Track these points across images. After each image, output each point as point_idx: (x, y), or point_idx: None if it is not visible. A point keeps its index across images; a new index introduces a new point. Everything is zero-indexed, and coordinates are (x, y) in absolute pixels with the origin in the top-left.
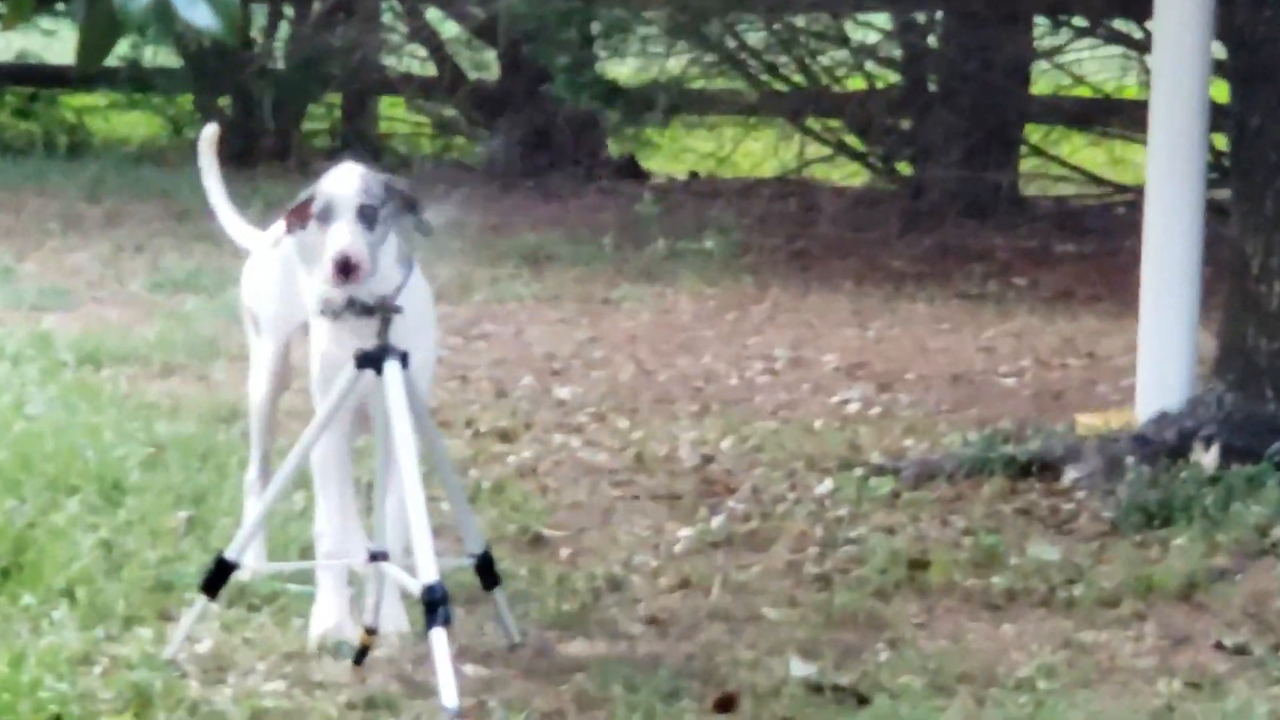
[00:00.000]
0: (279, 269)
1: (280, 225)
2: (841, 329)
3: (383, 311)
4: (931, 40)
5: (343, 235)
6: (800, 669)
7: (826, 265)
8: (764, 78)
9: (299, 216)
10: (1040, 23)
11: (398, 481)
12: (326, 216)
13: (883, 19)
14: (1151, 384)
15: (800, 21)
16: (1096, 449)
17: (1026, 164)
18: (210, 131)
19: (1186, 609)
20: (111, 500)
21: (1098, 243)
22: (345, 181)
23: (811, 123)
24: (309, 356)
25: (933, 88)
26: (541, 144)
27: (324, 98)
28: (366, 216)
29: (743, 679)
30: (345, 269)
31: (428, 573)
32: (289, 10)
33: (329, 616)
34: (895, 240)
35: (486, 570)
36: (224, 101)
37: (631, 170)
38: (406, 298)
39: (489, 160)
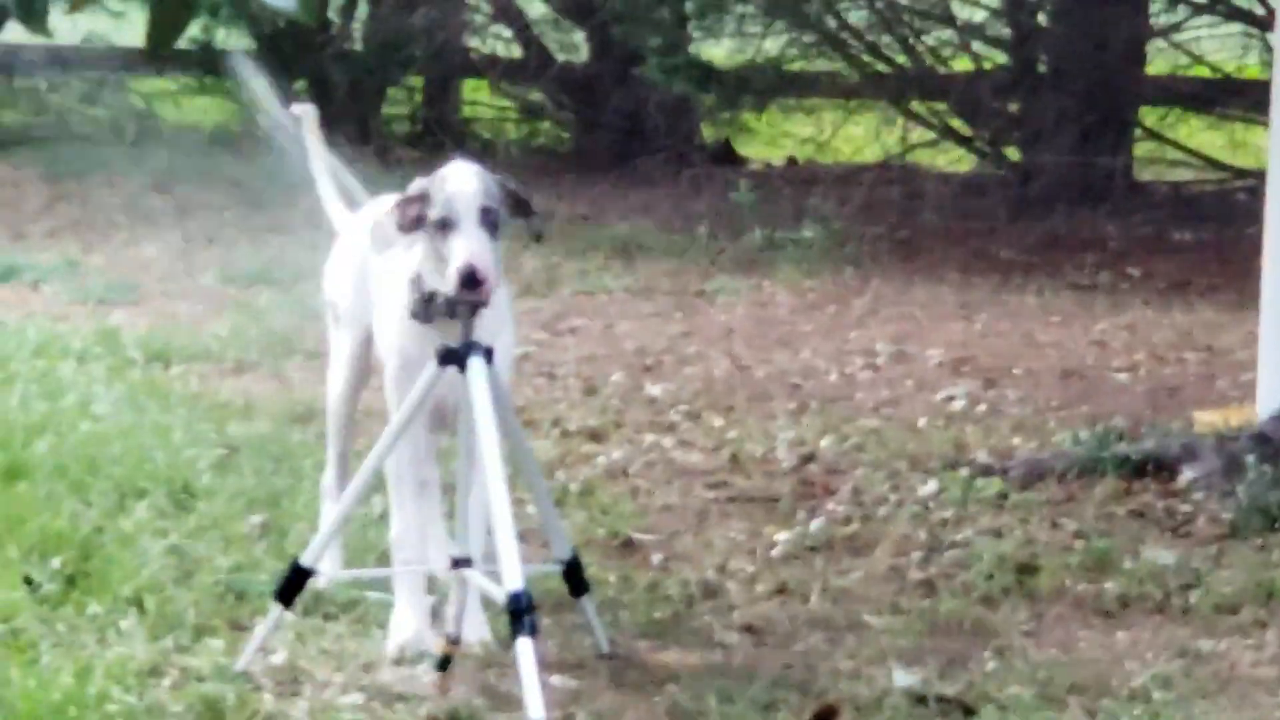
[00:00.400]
0: (357, 257)
1: (380, 214)
2: (946, 322)
3: (468, 307)
4: (1041, 18)
5: (469, 244)
6: (903, 679)
7: (931, 255)
8: (866, 59)
9: (409, 215)
10: None
11: (481, 484)
12: (447, 220)
13: None
14: (1273, 379)
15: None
16: (1214, 448)
17: (1141, 148)
18: (305, 110)
19: None
20: (181, 504)
21: (1216, 230)
22: (466, 182)
23: (915, 106)
24: (383, 353)
25: (1042, 68)
26: (632, 129)
27: (404, 81)
28: (489, 222)
29: (843, 689)
30: (473, 281)
31: (513, 580)
32: None
33: (407, 627)
34: (1003, 228)
35: (574, 576)
36: (299, 85)
37: (727, 156)
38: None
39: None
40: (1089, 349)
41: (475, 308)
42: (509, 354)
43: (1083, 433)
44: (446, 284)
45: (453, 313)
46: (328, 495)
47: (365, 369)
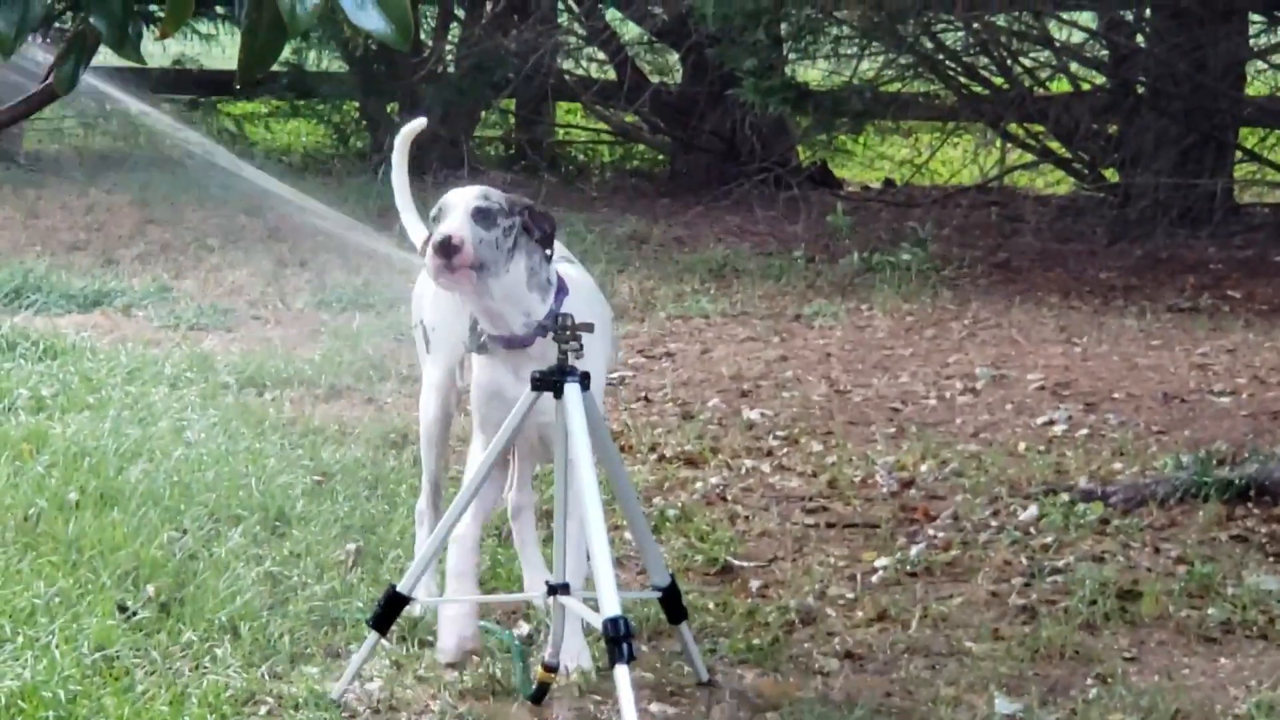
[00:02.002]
0: None
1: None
2: (1046, 345)
3: (560, 334)
4: (1139, 39)
5: (451, 223)
6: (1005, 706)
7: (1030, 278)
8: (963, 80)
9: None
10: (1255, 20)
11: (577, 510)
12: (438, 215)
13: (1088, 17)
14: None
15: (1001, 21)
16: None
17: (1241, 170)
18: (414, 125)
19: None
20: (276, 531)
21: None
22: (464, 190)
23: (1013, 128)
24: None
25: (1141, 90)
26: (728, 152)
27: (497, 104)
28: (482, 215)
29: (944, 717)
30: (446, 248)
31: (610, 606)
32: (460, 11)
33: (453, 632)
34: (1103, 251)
35: (672, 603)
36: (391, 108)
37: (823, 179)
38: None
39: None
40: (1190, 372)
41: (575, 336)
42: (600, 381)
43: (1184, 457)
44: (426, 262)
45: (514, 345)
46: (422, 521)
47: (456, 395)
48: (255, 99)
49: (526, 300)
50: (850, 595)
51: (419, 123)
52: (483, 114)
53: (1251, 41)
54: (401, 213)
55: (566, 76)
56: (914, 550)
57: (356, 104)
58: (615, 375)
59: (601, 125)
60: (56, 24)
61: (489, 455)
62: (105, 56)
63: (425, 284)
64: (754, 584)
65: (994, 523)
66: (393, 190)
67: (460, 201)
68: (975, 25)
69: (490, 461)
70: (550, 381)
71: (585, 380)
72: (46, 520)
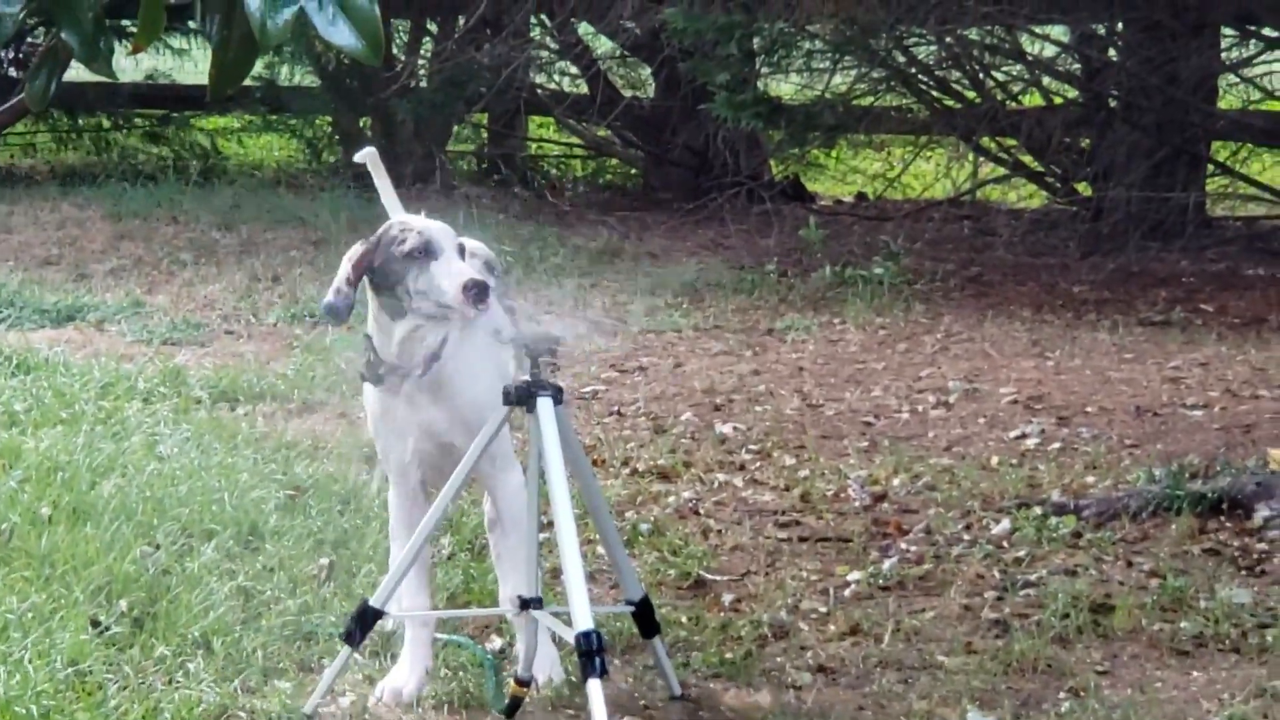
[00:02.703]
0: None
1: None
2: (1019, 359)
3: (532, 352)
4: (1111, 53)
5: (458, 265)
6: (978, 719)
7: (1002, 292)
8: (935, 94)
9: (359, 267)
10: (1228, 34)
11: (527, 524)
12: (428, 247)
13: (1060, 31)
14: None
15: (973, 35)
16: None
17: (1213, 183)
18: (369, 154)
19: None
20: (249, 546)
21: None
22: (438, 223)
23: (985, 141)
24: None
25: (1113, 103)
26: (700, 166)
27: (470, 118)
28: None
29: None
30: (483, 291)
31: (583, 620)
32: (432, 26)
33: (405, 679)
34: (1075, 265)
35: (645, 617)
36: (364, 122)
37: (796, 193)
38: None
39: None
40: (1163, 386)
41: (551, 350)
42: (485, 398)
43: (1157, 470)
44: (448, 298)
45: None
46: (395, 537)
47: None
48: (228, 114)
49: (433, 333)
50: (823, 609)
51: (370, 153)
52: (455, 128)
53: (1223, 55)
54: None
55: (539, 90)
56: (886, 564)
57: (329, 119)
58: (588, 389)
59: (574, 139)
60: (29, 39)
61: (459, 473)
62: (77, 72)
63: None
64: (727, 598)
65: (966, 536)
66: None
67: (447, 237)
68: (947, 39)
69: (461, 476)
70: (522, 396)
71: (558, 395)
72: (19, 535)
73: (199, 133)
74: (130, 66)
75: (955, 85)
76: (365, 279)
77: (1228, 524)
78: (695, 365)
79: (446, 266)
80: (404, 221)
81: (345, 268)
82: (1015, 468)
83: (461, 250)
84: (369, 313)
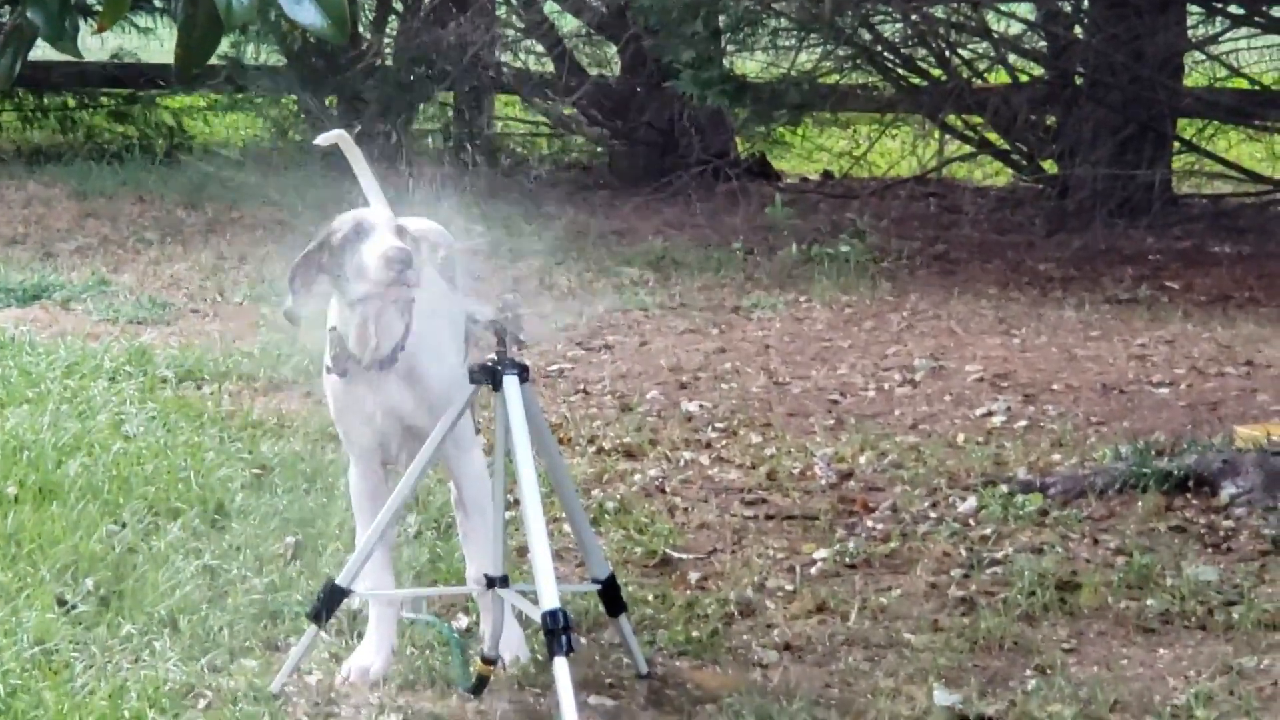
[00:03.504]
0: None
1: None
2: (985, 337)
3: (495, 329)
4: (1078, 30)
5: (387, 237)
6: (944, 698)
7: (968, 270)
8: (900, 72)
9: (310, 266)
10: (1194, 11)
11: (488, 500)
12: (361, 228)
13: (1026, 9)
14: None
15: (939, 12)
16: (1256, 463)
17: (1179, 161)
18: (338, 135)
19: None
20: (215, 524)
21: (1255, 243)
22: (377, 210)
23: (951, 119)
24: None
25: (1079, 81)
26: (666, 144)
27: (435, 97)
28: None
29: (883, 708)
30: (405, 257)
31: (549, 599)
32: (398, 4)
33: (371, 658)
34: (1041, 242)
35: (611, 595)
36: (330, 101)
37: (762, 171)
38: (423, 321)
39: None
40: (1129, 364)
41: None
42: (452, 376)
43: (1123, 448)
44: (371, 273)
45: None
46: (360, 516)
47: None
48: (193, 93)
49: (398, 320)
50: (789, 587)
51: (339, 134)
52: (421, 107)
53: (1190, 32)
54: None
55: (505, 69)
56: (853, 542)
57: (294, 98)
58: (554, 368)
59: (540, 118)
60: None
61: (425, 451)
62: (43, 51)
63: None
64: (693, 576)
65: (933, 514)
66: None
67: (380, 216)
68: (913, 17)
69: (428, 454)
70: (488, 373)
71: (524, 373)
72: None
73: (165, 111)
74: (96, 45)
75: (921, 63)
76: (322, 275)
77: (1194, 501)
78: (661, 343)
79: (373, 243)
80: (345, 216)
81: (293, 272)
82: (981, 446)
83: (401, 232)
84: (330, 306)
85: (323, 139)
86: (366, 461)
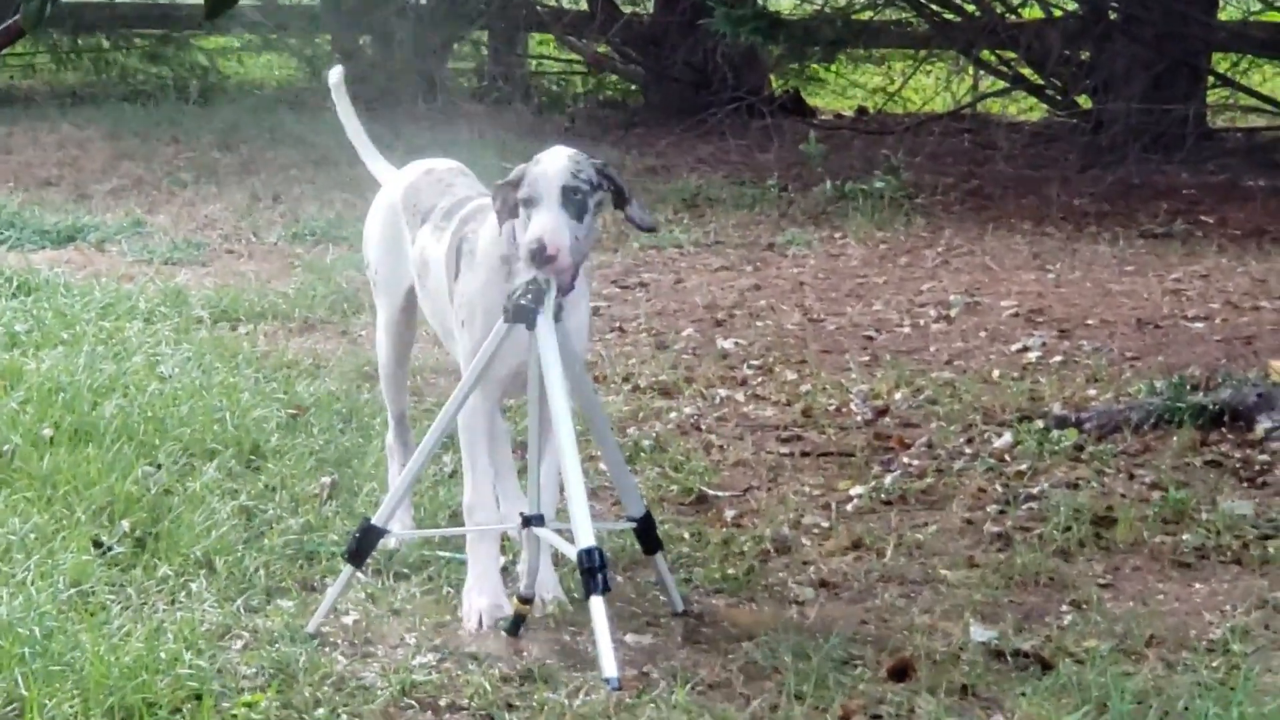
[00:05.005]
0: (381, 224)
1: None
2: (1019, 273)
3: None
4: None
5: (543, 219)
6: (980, 633)
7: (1003, 205)
8: (934, 8)
9: (506, 202)
10: None
11: (553, 441)
12: (530, 198)
13: None
14: None
15: None
16: None
17: (1214, 95)
18: (336, 74)
19: None
20: (250, 465)
21: None
22: (554, 162)
23: (985, 55)
24: (457, 317)
25: (1113, 15)
26: (700, 82)
27: (469, 35)
28: (574, 202)
29: (919, 644)
30: (541, 256)
31: (585, 537)
32: None
33: (484, 594)
34: (1075, 177)
35: (647, 534)
36: (363, 40)
37: (796, 108)
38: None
39: None
40: (1164, 298)
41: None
42: (588, 317)
43: (1158, 383)
44: (523, 255)
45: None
46: (392, 455)
47: (409, 331)
48: (227, 33)
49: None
50: (825, 524)
51: (338, 71)
52: (455, 46)
53: None
54: (362, 154)
55: (538, 7)
56: (889, 478)
57: (329, 36)
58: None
59: (574, 56)
60: None
61: (463, 387)
62: None
63: (372, 225)
64: (729, 514)
65: (968, 450)
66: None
67: (549, 181)
68: None
69: (465, 393)
70: (524, 313)
71: (558, 312)
72: (21, 456)
73: (199, 52)
74: None
75: None
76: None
77: (1229, 436)
78: (696, 281)
79: (536, 221)
80: (530, 173)
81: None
82: (1017, 381)
83: (571, 194)
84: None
85: (333, 77)
86: (493, 396)
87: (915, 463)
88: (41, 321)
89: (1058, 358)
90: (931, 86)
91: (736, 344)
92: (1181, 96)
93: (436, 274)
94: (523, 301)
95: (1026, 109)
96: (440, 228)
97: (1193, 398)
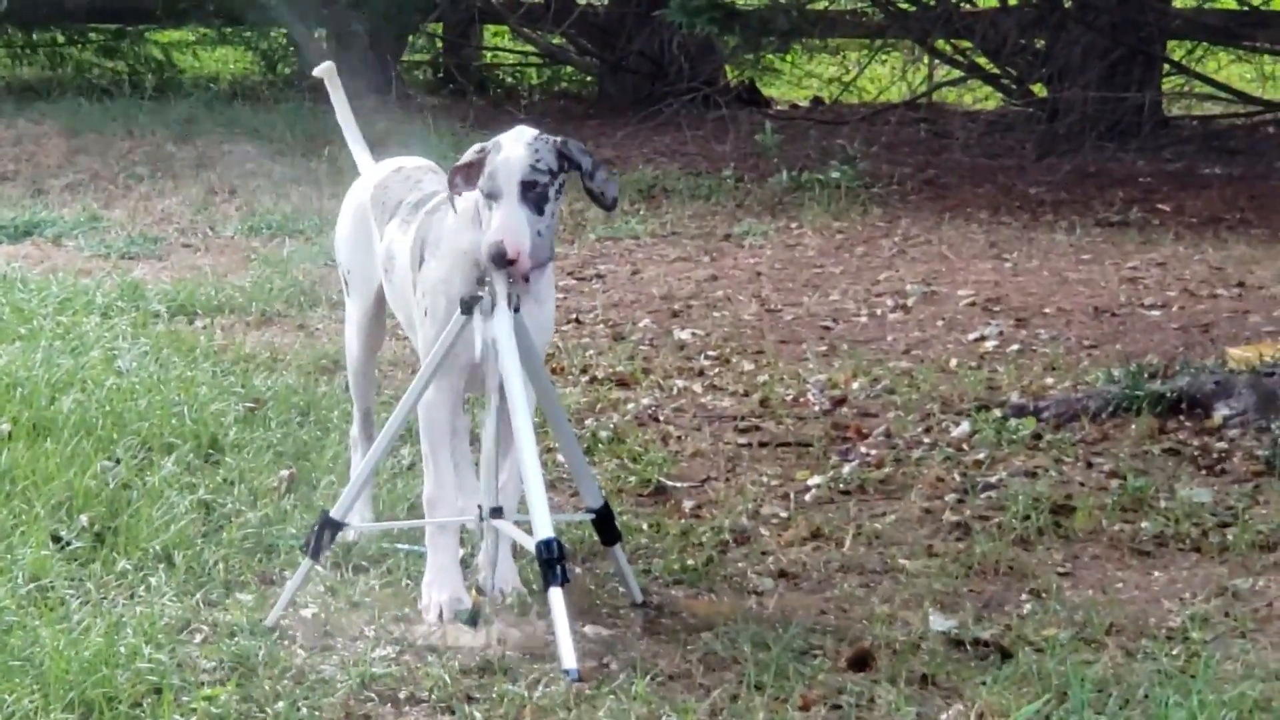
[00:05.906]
0: (351, 224)
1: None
2: (976, 261)
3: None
4: None
5: (505, 219)
6: (939, 623)
7: (959, 194)
8: None
9: (465, 176)
10: None
11: (510, 433)
12: (492, 192)
13: None
14: None
15: None
16: (1249, 384)
17: (1169, 82)
18: (327, 68)
19: None
20: (209, 459)
21: (1246, 164)
22: (514, 150)
23: (940, 44)
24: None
25: (1068, 4)
26: (656, 73)
27: (424, 28)
28: (534, 196)
29: (878, 634)
30: (501, 258)
31: (543, 529)
32: None
33: (444, 588)
34: (1031, 166)
35: (605, 525)
36: (320, 34)
37: (751, 98)
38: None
39: None
40: (1120, 286)
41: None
42: (552, 311)
43: (1116, 371)
44: (481, 254)
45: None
46: (355, 447)
47: (379, 329)
48: (182, 27)
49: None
50: (784, 514)
51: (328, 66)
52: (410, 38)
53: None
54: (350, 145)
55: None
56: (847, 468)
57: (284, 31)
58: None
59: (529, 48)
60: None
61: (421, 379)
62: None
63: (342, 226)
64: (687, 504)
65: (926, 439)
66: (340, 125)
67: (509, 173)
68: None
69: (422, 385)
70: (478, 303)
71: (516, 303)
72: None
73: (154, 46)
74: None
75: None
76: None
77: (1187, 423)
78: (653, 272)
79: (496, 220)
80: (496, 160)
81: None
82: (974, 370)
83: (530, 189)
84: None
85: (319, 70)
86: (455, 389)
87: (873, 452)
88: None
89: (1015, 346)
90: (887, 76)
91: (694, 335)
92: (1137, 84)
93: (401, 265)
94: (479, 293)
95: (982, 98)
96: (407, 221)
97: (1150, 386)
